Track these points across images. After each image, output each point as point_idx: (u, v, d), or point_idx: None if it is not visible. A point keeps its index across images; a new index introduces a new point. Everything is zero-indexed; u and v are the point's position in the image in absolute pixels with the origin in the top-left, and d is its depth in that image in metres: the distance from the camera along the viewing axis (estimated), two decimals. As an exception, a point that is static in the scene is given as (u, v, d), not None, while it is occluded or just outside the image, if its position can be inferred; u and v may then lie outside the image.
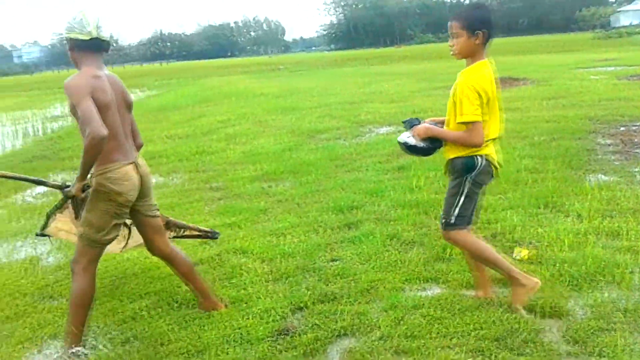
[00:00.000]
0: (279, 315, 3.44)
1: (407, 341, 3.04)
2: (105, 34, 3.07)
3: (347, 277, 3.90)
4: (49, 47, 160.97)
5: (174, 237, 4.06)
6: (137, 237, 3.89)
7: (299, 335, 3.20)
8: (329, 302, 3.56)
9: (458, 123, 3.07)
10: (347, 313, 3.38)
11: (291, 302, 3.58)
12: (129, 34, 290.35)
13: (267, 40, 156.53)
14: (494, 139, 3.21)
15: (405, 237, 4.56)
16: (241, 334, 3.25)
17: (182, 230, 4.06)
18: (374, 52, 57.66)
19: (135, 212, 3.33)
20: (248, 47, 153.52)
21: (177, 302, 3.75)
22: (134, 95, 24.31)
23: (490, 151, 3.19)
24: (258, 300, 3.65)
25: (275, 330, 3.27)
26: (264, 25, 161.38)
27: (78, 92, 2.88)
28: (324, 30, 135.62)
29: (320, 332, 3.20)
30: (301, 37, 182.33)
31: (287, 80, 26.24)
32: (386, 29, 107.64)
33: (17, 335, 3.49)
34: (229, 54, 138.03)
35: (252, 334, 3.23)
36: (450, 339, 3.04)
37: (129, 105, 3.26)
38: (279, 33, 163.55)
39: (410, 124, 3.27)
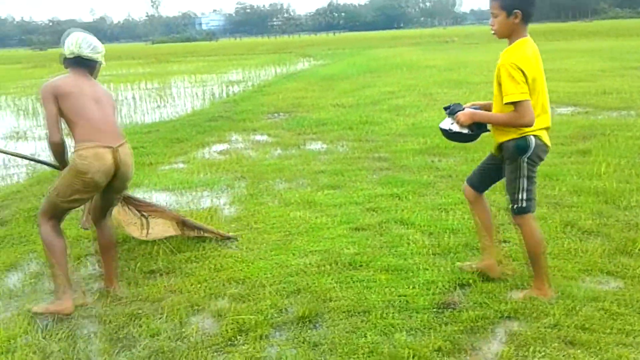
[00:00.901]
0: (440, 288, 3.42)
1: (580, 333, 2.87)
2: (87, 52, 3.50)
3: (517, 260, 3.74)
4: (228, 15, 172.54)
5: (195, 236, 4.42)
6: (157, 231, 4.35)
7: (463, 311, 3.15)
8: (495, 282, 3.45)
9: (505, 104, 2.99)
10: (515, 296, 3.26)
11: (456, 278, 3.53)
12: (304, 3, 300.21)
13: (436, 12, 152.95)
14: (546, 128, 3.10)
15: (583, 226, 4.27)
16: (403, 301, 3.29)
17: (200, 231, 4.41)
18: (555, 27, 53.55)
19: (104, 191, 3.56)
20: (415, 19, 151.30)
21: (342, 262, 3.87)
22: (301, 65, 25.35)
23: (541, 132, 3.10)
24: (420, 272, 3.65)
25: (437, 303, 3.26)
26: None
27: (44, 96, 3.38)
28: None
29: (486, 311, 3.13)
30: (471, 10, 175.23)
31: (456, 53, 25.46)
32: (573, 1, 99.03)
33: (196, 275, 3.83)
34: (395, 25, 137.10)
35: (414, 303, 3.26)
36: (630, 337, 2.82)
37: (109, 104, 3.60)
38: (450, 4, 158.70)
39: (452, 111, 3.23)
